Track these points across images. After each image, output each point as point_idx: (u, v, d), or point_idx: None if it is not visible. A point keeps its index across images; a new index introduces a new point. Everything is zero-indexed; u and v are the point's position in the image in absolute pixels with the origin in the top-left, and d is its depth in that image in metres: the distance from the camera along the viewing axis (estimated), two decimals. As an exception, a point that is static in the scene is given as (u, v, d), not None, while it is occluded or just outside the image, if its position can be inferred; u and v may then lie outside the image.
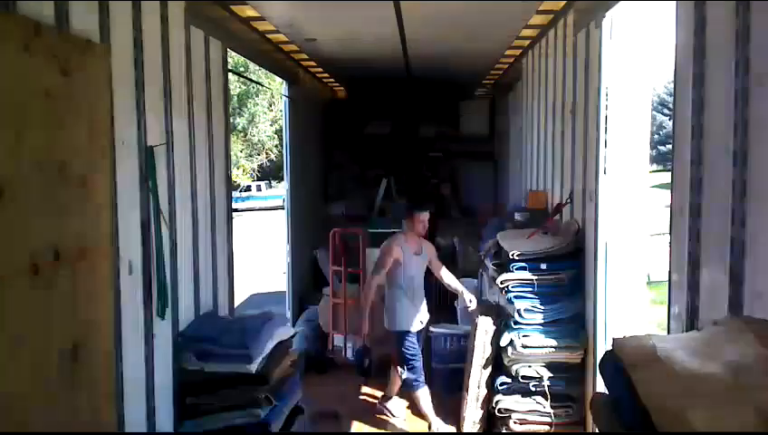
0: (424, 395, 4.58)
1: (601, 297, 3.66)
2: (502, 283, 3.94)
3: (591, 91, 3.71)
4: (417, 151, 9.43)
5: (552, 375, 3.87)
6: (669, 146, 2.72)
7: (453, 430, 4.54)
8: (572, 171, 4.14)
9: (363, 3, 4.34)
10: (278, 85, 11.95)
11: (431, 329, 5.20)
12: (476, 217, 8.20)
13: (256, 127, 28.83)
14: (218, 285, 4.21)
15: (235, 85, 25.31)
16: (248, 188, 27.27)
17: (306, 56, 6.40)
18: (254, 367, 3.46)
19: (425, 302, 4.74)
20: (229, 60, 4.65)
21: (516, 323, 3.87)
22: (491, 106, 9.15)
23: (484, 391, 4.25)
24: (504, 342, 3.94)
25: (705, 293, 2.28)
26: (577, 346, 3.86)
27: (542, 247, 3.95)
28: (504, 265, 4.05)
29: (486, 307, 4.54)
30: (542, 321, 3.87)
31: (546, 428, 3.92)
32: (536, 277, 3.85)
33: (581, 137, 3.89)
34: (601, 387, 2.07)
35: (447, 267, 4.92)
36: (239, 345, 3.48)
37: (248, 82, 24.79)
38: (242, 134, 28.18)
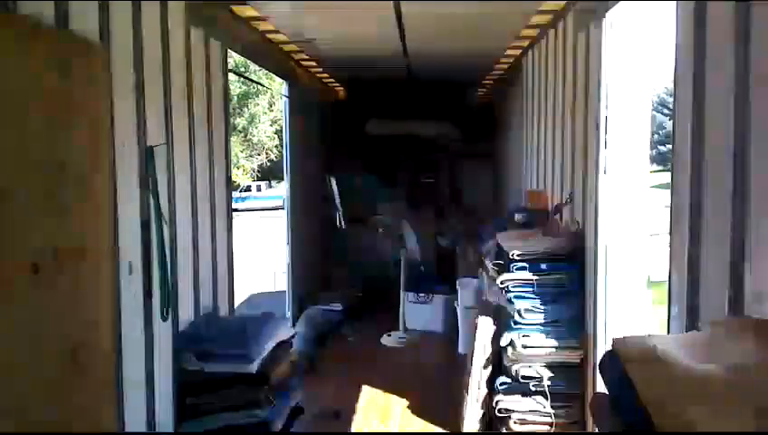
0: None
1: (601, 297, 3.66)
2: (502, 283, 3.94)
3: (591, 92, 3.71)
4: (417, 151, 9.43)
5: (552, 375, 3.87)
6: (669, 146, 2.71)
7: None
8: (572, 171, 4.14)
9: (363, 3, 4.34)
10: (278, 85, 11.94)
11: None
12: (476, 217, 8.20)
13: (256, 127, 28.84)
14: (218, 285, 4.21)
15: (236, 85, 25.32)
16: (248, 189, 27.27)
17: (306, 56, 6.40)
18: (254, 367, 3.46)
19: None
20: (229, 60, 4.66)
21: (516, 323, 3.87)
22: (491, 106, 9.16)
23: (484, 391, 4.25)
24: (504, 342, 3.95)
25: (705, 293, 2.27)
26: (577, 346, 3.86)
27: (542, 247, 3.95)
28: (504, 265, 4.05)
29: (486, 307, 4.54)
30: (543, 321, 3.87)
31: (546, 428, 3.92)
32: (536, 277, 3.85)
33: (581, 137, 3.89)
34: (601, 387, 2.07)
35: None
36: (239, 345, 3.48)
37: (248, 83, 24.81)
38: (242, 134, 28.17)
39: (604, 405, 1.92)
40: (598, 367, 2.05)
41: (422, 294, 7.10)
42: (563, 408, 3.92)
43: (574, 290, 3.92)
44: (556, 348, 3.85)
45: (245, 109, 27.98)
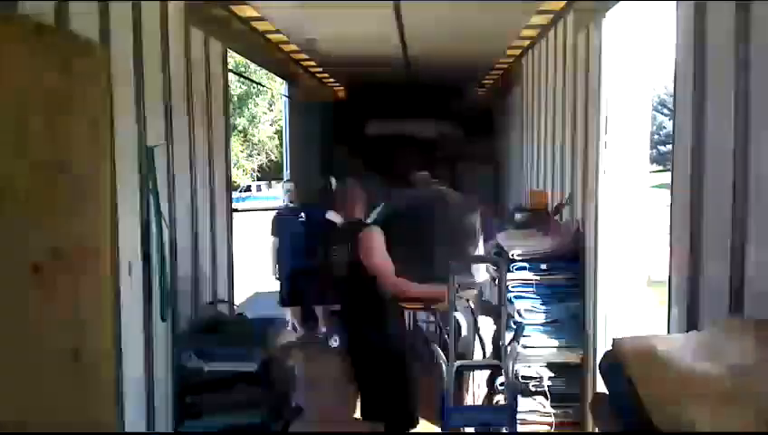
0: None
1: (601, 297, 3.66)
2: (502, 283, 3.93)
3: (591, 92, 3.71)
4: (416, 152, 9.43)
5: (552, 375, 3.87)
6: (669, 146, 2.72)
7: None
8: (572, 171, 4.14)
9: (363, 3, 4.34)
10: (278, 85, 11.96)
11: None
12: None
13: (256, 127, 28.85)
14: (218, 285, 4.21)
15: (236, 86, 25.31)
16: (248, 189, 27.26)
17: (306, 56, 6.40)
18: (254, 367, 3.46)
19: None
20: (229, 60, 4.66)
21: (516, 323, 3.87)
22: (491, 106, 9.16)
23: (484, 391, 4.24)
24: (504, 342, 3.94)
25: (706, 293, 2.27)
26: (577, 346, 3.86)
27: (543, 247, 3.95)
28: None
29: (486, 307, 4.54)
30: (542, 321, 3.87)
31: (547, 428, 3.92)
32: (536, 277, 3.85)
33: (581, 137, 3.89)
34: (601, 387, 2.07)
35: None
36: (239, 345, 3.48)
37: (248, 83, 24.81)
38: (242, 134, 28.17)
39: (604, 405, 1.92)
40: (598, 367, 2.05)
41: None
42: (563, 408, 3.92)
43: (574, 290, 3.92)
44: (556, 348, 3.85)
45: (245, 108, 27.97)
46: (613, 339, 1.89)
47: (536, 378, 3.88)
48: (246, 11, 4.47)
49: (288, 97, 7.00)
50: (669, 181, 2.57)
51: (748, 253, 1.97)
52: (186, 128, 3.70)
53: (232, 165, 4.80)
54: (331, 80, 8.28)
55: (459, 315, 4.02)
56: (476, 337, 3.99)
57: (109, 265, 2.71)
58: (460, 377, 4.21)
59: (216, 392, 3.46)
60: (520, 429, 3.91)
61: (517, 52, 6.08)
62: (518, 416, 3.93)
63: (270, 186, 28.66)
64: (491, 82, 8.12)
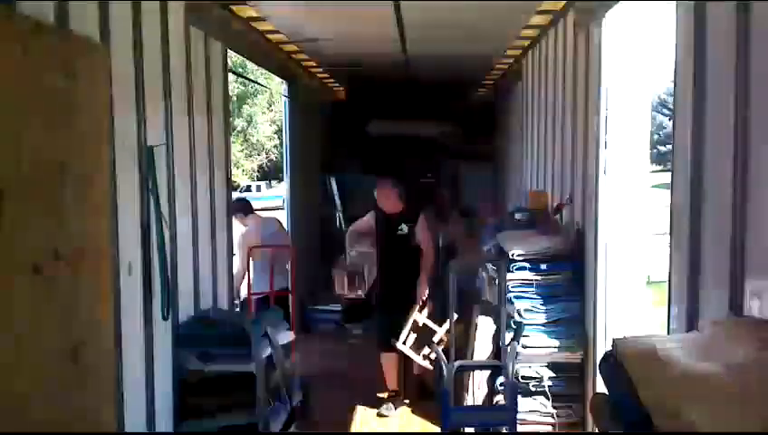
0: None
1: (601, 297, 3.66)
2: (502, 283, 3.93)
3: (591, 91, 3.71)
4: (417, 152, 9.43)
5: (552, 375, 3.87)
6: (669, 146, 2.72)
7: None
8: (572, 171, 4.14)
9: (363, 3, 4.34)
10: (277, 85, 11.95)
11: None
12: (476, 217, 8.20)
13: (255, 127, 28.84)
14: (218, 285, 4.21)
15: (233, 86, 25.31)
16: (248, 189, 27.26)
17: (306, 56, 6.40)
18: (254, 367, 3.46)
19: None
20: (229, 60, 4.66)
21: (516, 323, 3.87)
22: (491, 106, 9.16)
23: (484, 391, 4.24)
24: (503, 342, 3.94)
25: (705, 293, 2.27)
26: (577, 346, 3.86)
27: (543, 247, 3.94)
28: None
29: (486, 307, 4.53)
30: (543, 321, 3.87)
31: (547, 428, 3.92)
32: (536, 277, 3.85)
33: (581, 137, 3.89)
34: (601, 387, 2.07)
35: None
36: (239, 345, 3.48)
37: (246, 83, 24.81)
38: (241, 135, 28.18)
39: (604, 405, 1.92)
40: (598, 367, 2.05)
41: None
42: (563, 408, 3.91)
43: (574, 290, 3.92)
44: (556, 348, 3.85)
45: (243, 109, 27.96)
46: (613, 339, 1.89)
47: (536, 378, 3.88)
48: (246, 11, 4.47)
49: (288, 97, 6.99)
50: (669, 181, 2.57)
51: (748, 253, 1.97)
52: (186, 128, 3.70)
53: (232, 165, 4.80)
54: (331, 80, 8.28)
55: None
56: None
57: (109, 265, 2.71)
58: (460, 377, 4.23)
59: (215, 392, 3.46)
60: (520, 429, 3.91)
61: (517, 52, 6.08)
62: (518, 416, 3.94)
63: (270, 186, 28.68)
64: (491, 82, 8.12)
